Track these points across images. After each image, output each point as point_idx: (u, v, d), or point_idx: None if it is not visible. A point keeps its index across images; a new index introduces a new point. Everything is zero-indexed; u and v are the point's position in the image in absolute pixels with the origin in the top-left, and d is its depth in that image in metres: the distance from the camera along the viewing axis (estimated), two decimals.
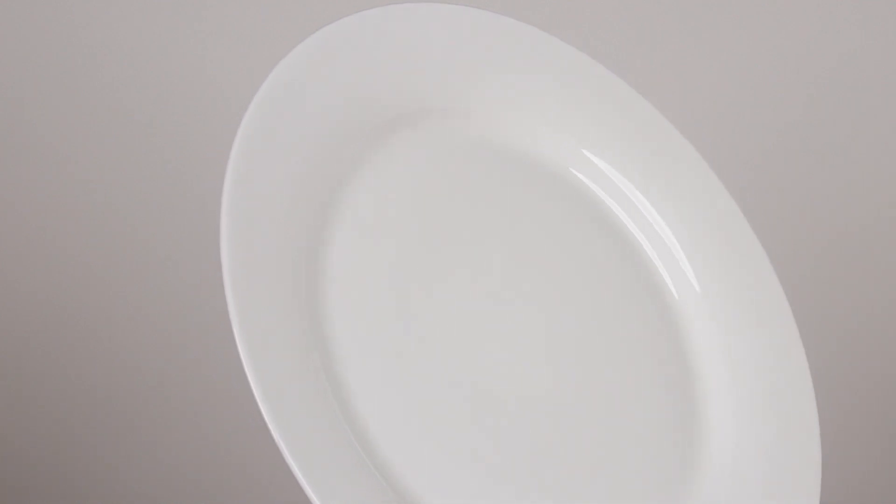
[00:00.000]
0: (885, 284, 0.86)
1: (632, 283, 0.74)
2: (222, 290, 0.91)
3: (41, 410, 0.96)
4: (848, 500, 0.89)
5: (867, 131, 0.86)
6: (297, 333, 0.61)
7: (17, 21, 0.86)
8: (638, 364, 0.73)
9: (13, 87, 0.88)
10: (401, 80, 0.70)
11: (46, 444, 0.97)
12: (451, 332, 0.68)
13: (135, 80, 0.88)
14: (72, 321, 0.93)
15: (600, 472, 0.69)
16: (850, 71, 0.85)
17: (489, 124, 0.74)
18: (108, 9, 0.85)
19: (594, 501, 0.68)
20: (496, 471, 0.66)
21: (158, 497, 0.97)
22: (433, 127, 0.72)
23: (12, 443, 0.97)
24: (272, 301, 0.60)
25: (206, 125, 0.89)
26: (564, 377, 0.71)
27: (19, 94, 0.88)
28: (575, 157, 0.75)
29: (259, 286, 0.60)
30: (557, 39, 0.74)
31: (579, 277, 0.73)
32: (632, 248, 0.76)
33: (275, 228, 0.62)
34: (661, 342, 0.74)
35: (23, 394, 0.96)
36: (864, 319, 0.86)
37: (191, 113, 0.88)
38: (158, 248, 0.92)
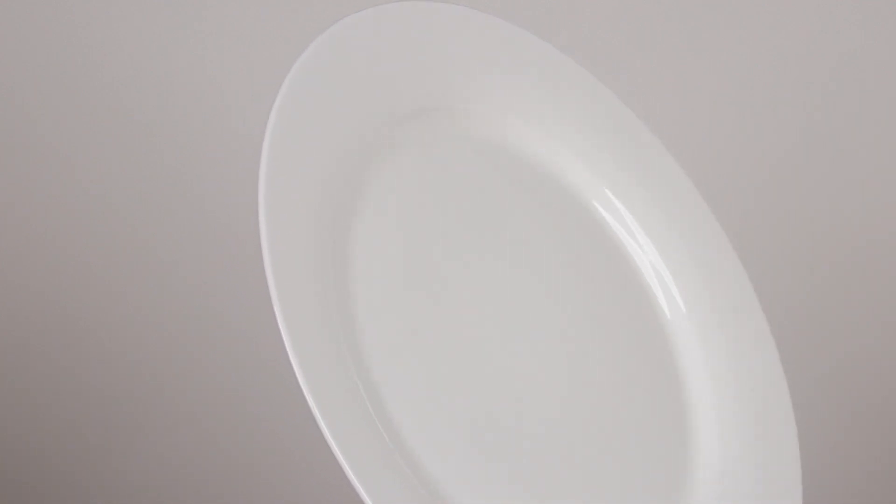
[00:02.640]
0: (858, 297, 0.87)
1: (629, 300, 0.77)
2: (224, 291, 0.92)
3: (48, 411, 0.96)
4: (830, 496, 0.90)
5: (853, 150, 0.86)
6: (333, 338, 0.62)
7: (22, 23, 0.86)
8: (634, 372, 0.75)
9: (17, 88, 0.88)
10: (416, 79, 0.71)
11: (52, 445, 0.97)
12: (462, 338, 0.69)
13: (137, 82, 0.88)
14: (79, 323, 0.93)
15: (602, 473, 0.71)
16: (837, 91, 0.85)
17: (503, 133, 0.75)
18: (110, 10, 0.85)
19: (598, 500, 0.69)
20: (507, 469, 0.67)
21: (163, 499, 0.98)
22: (441, 128, 0.72)
23: (17, 444, 0.97)
24: (309, 303, 0.61)
25: (205, 128, 0.89)
26: (568, 382, 0.72)
27: (26, 96, 0.88)
28: (595, 191, 0.77)
29: (298, 292, 0.61)
30: (569, 58, 0.76)
31: (581, 290, 0.75)
32: (633, 270, 0.78)
33: (303, 235, 0.63)
34: (655, 354, 0.77)
35: (29, 395, 0.96)
36: (835, 326, 0.87)
37: (190, 116, 0.89)
38: (163, 249, 0.92)
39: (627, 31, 0.82)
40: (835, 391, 0.87)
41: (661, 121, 0.80)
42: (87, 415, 0.96)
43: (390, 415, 0.64)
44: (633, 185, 0.78)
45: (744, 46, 0.84)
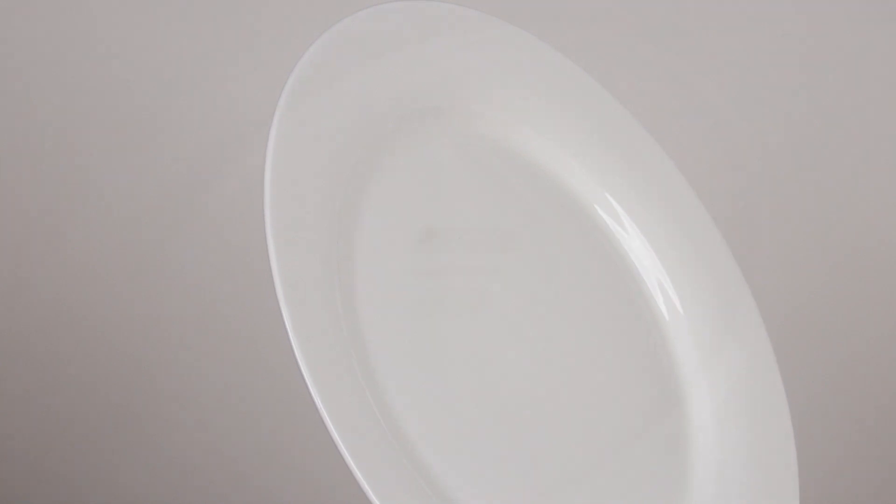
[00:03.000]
0: (855, 297, 0.87)
1: (628, 302, 0.77)
2: (232, 297, 0.92)
3: (51, 411, 0.96)
4: (828, 493, 0.90)
5: (852, 151, 0.86)
6: (339, 343, 0.63)
7: (24, 22, 0.87)
8: (633, 372, 0.76)
9: (20, 89, 0.89)
10: (418, 79, 0.71)
11: (54, 445, 0.97)
12: (463, 338, 0.69)
13: (134, 88, 0.88)
14: (81, 321, 0.93)
15: (602, 473, 0.71)
16: (835, 91, 0.85)
17: (505, 134, 0.76)
18: (118, 6, 0.85)
19: (597, 500, 0.70)
20: (507, 467, 0.67)
21: (168, 499, 0.98)
22: (442, 128, 0.73)
23: (19, 443, 0.97)
24: (315, 303, 0.62)
25: (208, 130, 0.89)
26: (568, 382, 0.72)
27: (29, 96, 0.88)
28: (596, 195, 0.77)
29: (304, 294, 0.61)
30: (569, 60, 0.76)
31: (581, 291, 0.76)
32: (631, 273, 0.78)
33: (308, 236, 0.63)
34: (653, 355, 0.76)
35: (33, 395, 0.96)
36: (831, 326, 0.87)
37: (193, 116, 0.89)
38: (167, 248, 0.92)
39: (628, 32, 0.83)
40: (831, 391, 0.87)
41: (661, 124, 0.80)
42: (89, 415, 0.96)
43: (394, 413, 0.64)
44: (633, 190, 0.78)
45: (743, 47, 0.84)
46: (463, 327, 0.69)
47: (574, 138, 0.77)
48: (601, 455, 0.71)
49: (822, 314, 0.85)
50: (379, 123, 0.68)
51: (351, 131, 0.67)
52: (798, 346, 0.84)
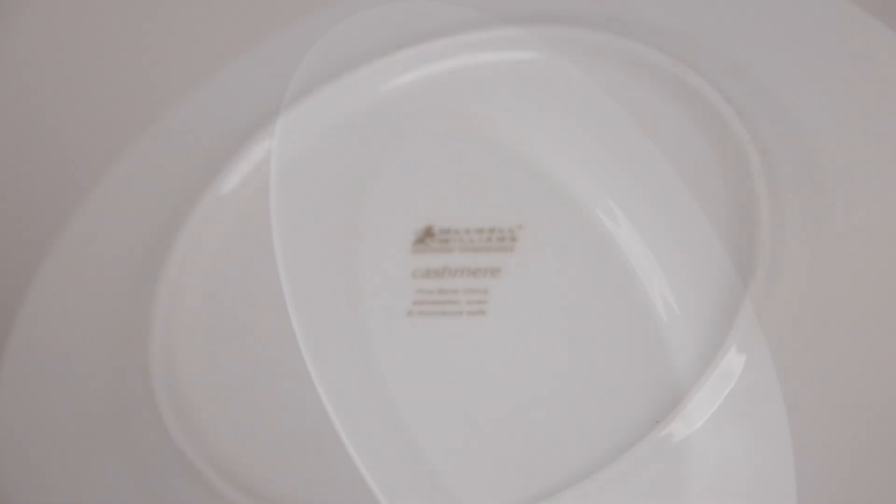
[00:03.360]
0: (851, 297, 0.87)
1: (627, 303, 0.77)
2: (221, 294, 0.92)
3: (48, 409, 0.96)
4: (825, 495, 0.90)
5: (852, 151, 0.86)
6: (342, 341, 0.63)
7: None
8: (631, 373, 0.76)
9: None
10: (419, 77, 0.71)
11: (52, 443, 0.97)
12: (462, 338, 0.69)
13: (137, 77, 0.88)
14: (87, 323, 0.93)
15: (603, 475, 0.71)
16: (833, 90, 0.86)
17: (506, 135, 0.76)
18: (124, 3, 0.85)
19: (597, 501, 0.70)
20: (506, 467, 0.67)
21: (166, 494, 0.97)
22: (443, 129, 0.73)
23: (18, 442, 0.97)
24: (319, 306, 0.62)
25: (211, 127, 0.89)
26: (567, 383, 0.72)
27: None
28: (598, 199, 0.78)
29: (309, 294, 0.62)
30: (571, 62, 0.76)
31: (580, 293, 0.76)
32: (631, 276, 0.78)
33: (311, 238, 0.64)
34: (651, 356, 0.76)
35: (33, 393, 0.96)
36: (829, 327, 0.88)
37: (193, 114, 0.89)
38: (169, 246, 0.92)
39: (626, 33, 0.83)
40: (829, 393, 0.87)
41: (659, 125, 0.80)
42: (87, 414, 0.96)
43: (396, 412, 0.64)
44: (633, 193, 0.79)
45: (742, 47, 0.84)
46: (462, 328, 0.70)
47: (574, 140, 0.77)
48: (599, 457, 0.71)
49: (821, 316, 0.85)
50: (379, 123, 0.69)
51: (351, 130, 0.67)
52: (796, 348, 0.84)
